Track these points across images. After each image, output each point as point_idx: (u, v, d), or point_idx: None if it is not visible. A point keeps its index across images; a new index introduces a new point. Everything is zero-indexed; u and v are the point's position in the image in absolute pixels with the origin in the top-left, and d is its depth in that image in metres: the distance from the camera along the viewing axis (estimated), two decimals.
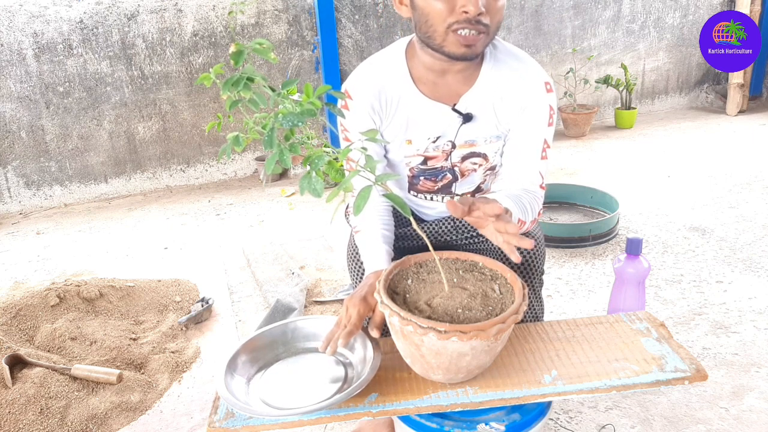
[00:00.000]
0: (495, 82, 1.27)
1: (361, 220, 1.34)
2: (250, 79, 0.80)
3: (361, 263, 1.39)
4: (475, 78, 1.27)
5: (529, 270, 1.38)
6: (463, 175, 1.38)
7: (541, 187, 1.30)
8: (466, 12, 1.09)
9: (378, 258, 1.27)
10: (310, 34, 3.89)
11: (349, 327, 1.13)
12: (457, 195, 1.42)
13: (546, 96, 1.28)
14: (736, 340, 1.91)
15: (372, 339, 1.15)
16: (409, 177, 1.41)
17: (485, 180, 1.41)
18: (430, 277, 1.16)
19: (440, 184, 1.39)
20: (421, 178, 1.39)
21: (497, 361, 1.15)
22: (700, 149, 4.02)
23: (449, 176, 1.38)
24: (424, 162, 1.35)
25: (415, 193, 1.45)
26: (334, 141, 3.96)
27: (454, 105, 1.28)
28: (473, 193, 1.43)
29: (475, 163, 1.36)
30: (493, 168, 1.39)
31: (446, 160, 1.35)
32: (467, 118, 1.28)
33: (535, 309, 1.44)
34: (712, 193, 3.20)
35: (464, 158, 1.35)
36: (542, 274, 1.45)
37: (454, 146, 1.32)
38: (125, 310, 2.22)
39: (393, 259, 1.21)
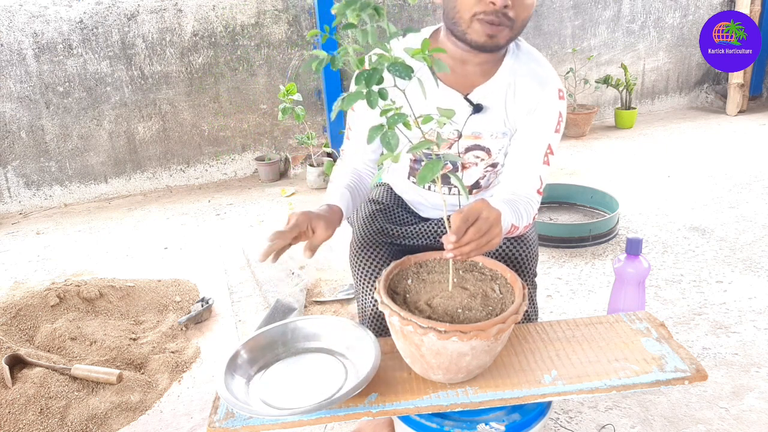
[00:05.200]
0: (511, 79, 1.29)
1: (336, 174, 1.41)
2: (377, 9, 0.81)
3: (364, 263, 1.40)
4: (494, 72, 1.29)
5: (521, 273, 1.38)
6: (464, 167, 1.39)
7: (538, 191, 1.31)
8: (492, 3, 1.12)
9: (333, 195, 1.29)
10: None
11: (281, 234, 1.13)
12: (455, 187, 1.42)
13: (557, 102, 1.30)
14: (736, 340, 1.91)
15: (375, 341, 1.15)
16: (411, 161, 1.42)
17: (485, 176, 1.42)
18: (430, 277, 1.16)
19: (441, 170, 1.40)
20: (423, 162, 1.40)
21: (497, 361, 1.15)
22: (700, 149, 4.02)
23: (450, 165, 1.39)
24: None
25: (415, 180, 1.45)
26: (334, 141, 3.96)
27: (467, 94, 1.30)
28: (471, 189, 1.43)
29: (478, 157, 1.37)
30: (494, 165, 1.40)
31: (449, 148, 1.35)
32: (477, 108, 1.30)
33: (527, 312, 1.44)
34: (712, 193, 3.20)
35: (468, 150, 1.36)
36: (534, 276, 1.45)
37: (460, 136, 1.33)
38: (125, 310, 2.22)
39: (393, 259, 1.21)
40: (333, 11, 0.82)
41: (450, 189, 1.43)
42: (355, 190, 1.35)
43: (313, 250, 1.18)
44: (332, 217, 1.22)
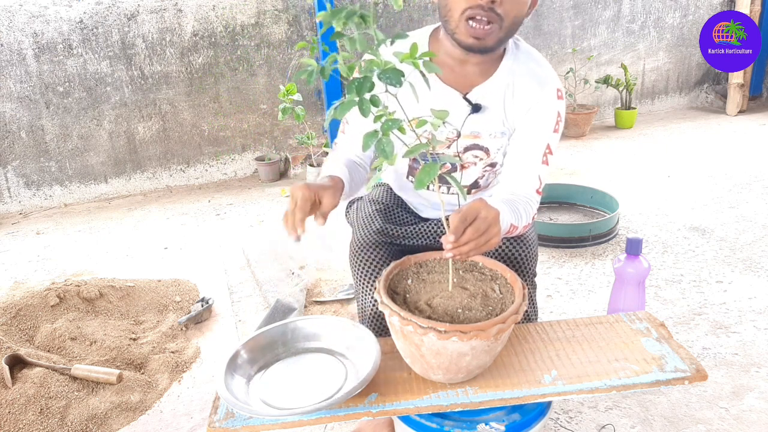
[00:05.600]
0: (510, 79, 1.30)
1: (330, 157, 1.41)
2: (363, 17, 0.81)
3: (364, 263, 1.40)
4: (493, 72, 1.30)
5: (521, 273, 1.38)
6: (463, 167, 1.39)
7: (537, 191, 1.31)
8: None
9: (333, 169, 1.28)
10: (310, 34, 3.89)
11: (297, 207, 1.11)
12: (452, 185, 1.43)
13: (556, 102, 1.30)
14: (736, 340, 1.91)
15: (375, 341, 1.15)
16: (410, 160, 1.43)
17: (483, 175, 1.42)
18: (430, 277, 1.16)
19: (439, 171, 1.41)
20: (422, 162, 1.40)
21: (497, 361, 1.15)
22: (700, 149, 4.02)
23: (449, 165, 1.39)
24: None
25: (413, 179, 1.46)
26: (334, 141, 3.96)
27: (466, 94, 1.30)
28: (470, 188, 1.43)
29: (477, 156, 1.37)
30: (493, 165, 1.40)
31: (448, 148, 1.35)
32: (476, 108, 1.30)
33: (527, 312, 1.44)
34: (712, 193, 3.20)
35: (467, 149, 1.36)
36: (534, 276, 1.45)
37: (459, 135, 1.33)
38: (125, 310, 2.22)
39: (393, 259, 1.21)
40: (317, 19, 0.82)
41: (449, 188, 1.43)
42: (352, 170, 1.34)
43: (324, 217, 1.16)
44: (336, 185, 1.20)
